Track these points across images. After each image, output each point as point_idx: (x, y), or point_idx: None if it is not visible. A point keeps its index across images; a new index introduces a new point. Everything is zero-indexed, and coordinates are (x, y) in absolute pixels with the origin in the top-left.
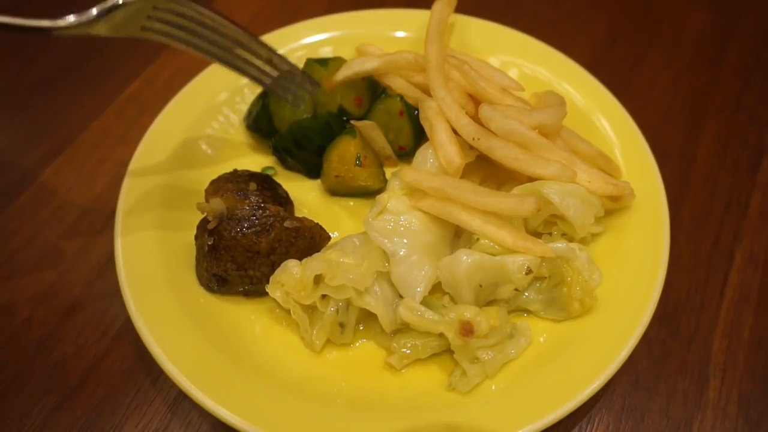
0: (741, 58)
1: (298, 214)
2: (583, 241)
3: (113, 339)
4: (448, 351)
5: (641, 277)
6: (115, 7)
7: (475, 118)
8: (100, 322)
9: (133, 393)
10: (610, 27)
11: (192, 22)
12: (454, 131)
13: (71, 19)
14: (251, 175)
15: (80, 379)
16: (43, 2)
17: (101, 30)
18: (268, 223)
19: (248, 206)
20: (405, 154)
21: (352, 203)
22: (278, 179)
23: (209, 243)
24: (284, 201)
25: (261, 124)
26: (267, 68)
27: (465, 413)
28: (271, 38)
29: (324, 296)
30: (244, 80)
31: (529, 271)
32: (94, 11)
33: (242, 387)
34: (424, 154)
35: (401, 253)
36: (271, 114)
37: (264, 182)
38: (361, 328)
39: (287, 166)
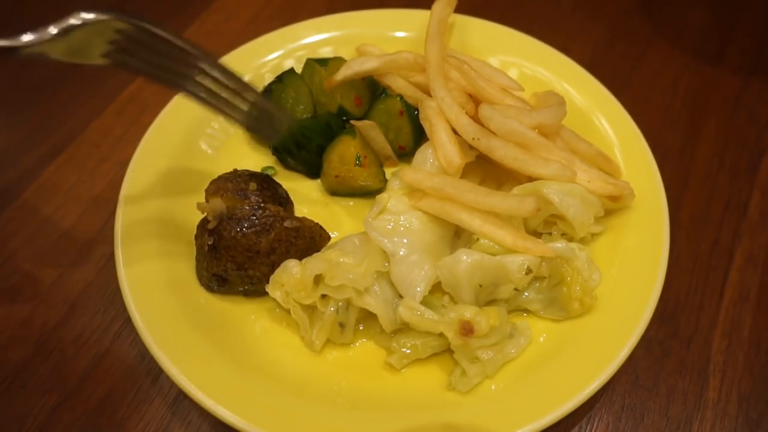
0: (741, 58)
1: (298, 214)
2: (583, 241)
3: (113, 339)
4: (448, 351)
5: (641, 277)
6: (76, 26)
7: (475, 118)
8: (100, 322)
9: (133, 393)
10: (610, 27)
11: (156, 50)
12: (454, 131)
13: (30, 37)
14: (251, 175)
15: (80, 379)
16: (41, 4)
17: (61, 51)
18: (268, 223)
19: (248, 206)
20: (405, 154)
21: (352, 203)
22: (278, 179)
23: (209, 243)
24: (284, 201)
25: None
26: (237, 102)
27: (465, 413)
28: (271, 38)
29: (324, 296)
30: (245, 80)
31: (528, 271)
32: (54, 29)
33: (242, 387)
34: (424, 154)
35: (401, 253)
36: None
37: (264, 182)
38: (361, 328)
39: (287, 166)
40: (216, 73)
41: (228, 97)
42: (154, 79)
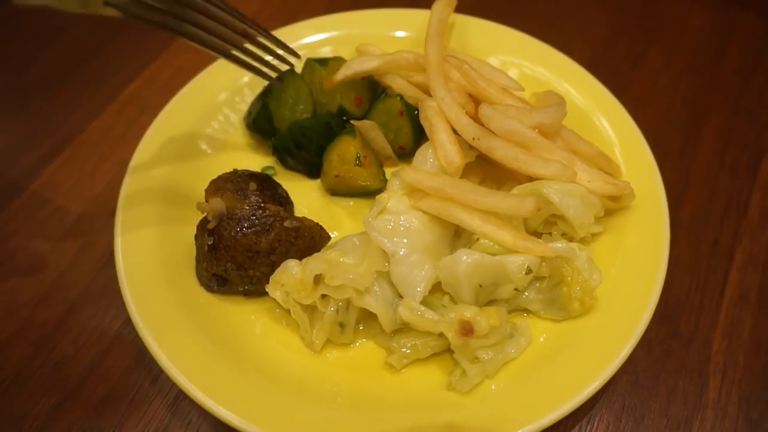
0: (741, 58)
1: (298, 214)
2: (583, 241)
3: (113, 339)
4: (448, 351)
5: (641, 277)
6: None
7: (475, 118)
8: (100, 322)
9: (133, 393)
10: (610, 27)
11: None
12: (454, 131)
13: None
14: (251, 175)
15: (80, 379)
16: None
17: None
18: (268, 222)
19: (248, 206)
20: (405, 154)
21: (352, 203)
22: (278, 179)
23: (209, 243)
24: (284, 201)
25: (261, 123)
26: (245, 44)
27: (465, 413)
28: None
29: (324, 296)
30: (245, 80)
31: (529, 271)
32: None
33: (242, 387)
34: (424, 154)
35: (401, 253)
36: (271, 114)
37: (264, 182)
38: (361, 328)
39: (287, 166)
40: (228, 18)
41: (235, 39)
42: (164, 28)
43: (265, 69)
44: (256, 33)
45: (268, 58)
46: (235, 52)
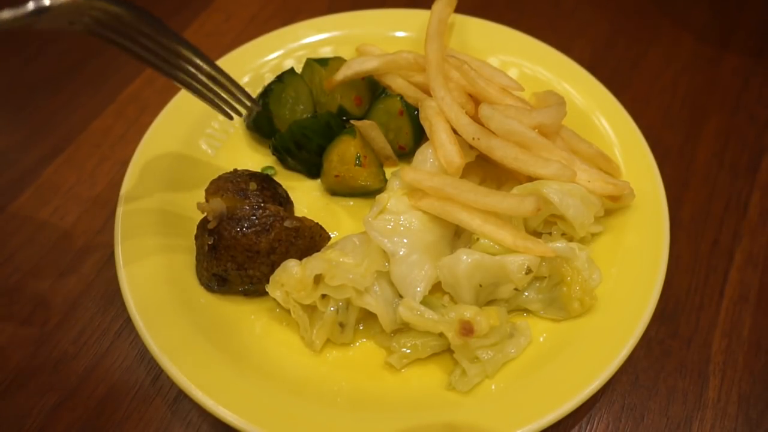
0: (741, 58)
1: (298, 214)
2: (583, 241)
3: (113, 339)
4: (448, 350)
5: (641, 277)
6: (46, 9)
7: (475, 118)
8: (100, 322)
9: (133, 393)
10: (610, 27)
11: (140, 33)
12: (454, 131)
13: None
14: (251, 175)
15: (80, 379)
16: None
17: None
18: (268, 222)
19: (248, 206)
20: (405, 154)
21: (352, 203)
22: (278, 179)
23: (209, 243)
24: (284, 201)
25: (261, 124)
26: (209, 83)
27: (465, 413)
28: (271, 38)
29: (324, 296)
30: (245, 80)
31: (528, 271)
32: (30, 6)
33: (242, 387)
34: (424, 153)
35: (401, 253)
36: (271, 114)
37: (264, 182)
38: (361, 327)
39: (287, 166)
40: (203, 66)
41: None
42: (131, 54)
43: (223, 105)
44: (219, 74)
45: (227, 96)
46: (197, 86)
